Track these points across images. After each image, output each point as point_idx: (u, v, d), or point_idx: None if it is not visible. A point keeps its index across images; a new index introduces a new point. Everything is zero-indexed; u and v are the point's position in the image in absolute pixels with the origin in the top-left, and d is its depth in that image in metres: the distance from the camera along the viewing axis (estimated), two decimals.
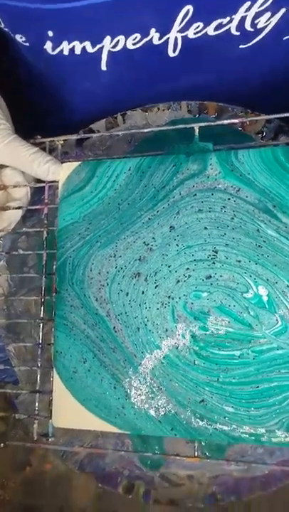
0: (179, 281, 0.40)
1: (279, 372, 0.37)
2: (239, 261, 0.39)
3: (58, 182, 0.43)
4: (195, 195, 0.40)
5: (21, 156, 0.42)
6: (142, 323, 0.40)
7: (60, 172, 0.43)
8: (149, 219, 0.41)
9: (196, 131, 0.43)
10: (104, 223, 0.41)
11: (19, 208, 0.44)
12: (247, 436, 0.37)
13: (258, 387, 0.37)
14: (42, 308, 0.43)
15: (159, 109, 0.49)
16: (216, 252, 0.39)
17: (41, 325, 0.42)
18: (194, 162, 0.41)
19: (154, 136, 0.48)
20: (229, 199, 0.40)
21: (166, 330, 0.39)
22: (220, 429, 0.37)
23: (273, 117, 0.45)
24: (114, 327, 0.40)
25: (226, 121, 0.45)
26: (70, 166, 0.43)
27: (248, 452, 0.42)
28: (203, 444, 0.41)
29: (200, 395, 0.38)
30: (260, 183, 0.40)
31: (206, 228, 0.40)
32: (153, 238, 0.40)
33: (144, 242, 0.40)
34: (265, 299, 0.38)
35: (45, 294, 0.43)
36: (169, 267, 0.40)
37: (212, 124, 0.44)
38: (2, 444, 0.44)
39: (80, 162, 0.43)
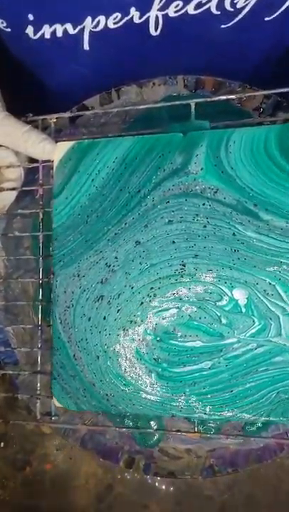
0: (142, 302, 0.39)
1: (256, 371, 0.37)
2: (210, 270, 0.37)
3: (52, 162, 0.42)
4: (168, 202, 0.38)
5: (14, 134, 0.41)
6: (102, 350, 0.39)
7: (54, 151, 0.41)
8: (115, 234, 0.39)
9: (193, 107, 0.41)
10: (70, 240, 0.40)
11: (13, 189, 0.44)
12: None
13: (231, 391, 0.37)
14: (40, 290, 0.42)
15: (154, 84, 0.46)
16: (184, 266, 0.38)
17: (40, 307, 0.42)
18: (181, 154, 0.39)
19: (149, 113, 0.46)
20: (204, 204, 0.38)
21: (126, 357, 0.39)
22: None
23: (271, 92, 0.42)
24: (75, 354, 0.40)
25: (223, 97, 0.42)
26: (65, 146, 0.41)
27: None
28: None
29: (167, 411, 0.39)
30: (242, 179, 0.38)
31: (173, 242, 0.38)
32: (116, 258, 0.39)
33: (106, 264, 0.39)
34: (242, 302, 0.37)
35: (43, 275, 0.42)
36: (132, 288, 0.39)
37: (208, 99, 0.42)
38: (2, 444, 0.48)
39: (74, 142, 0.41)
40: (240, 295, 0.37)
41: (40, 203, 0.42)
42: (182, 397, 0.38)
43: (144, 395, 0.38)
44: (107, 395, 0.39)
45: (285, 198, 0.37)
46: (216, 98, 0.41)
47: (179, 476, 0.45)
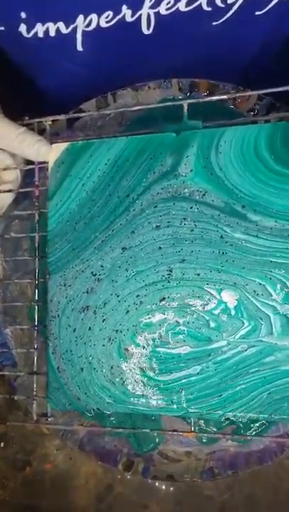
0: (128, 311, 0.39)
1: (247, 373, 0.37)
2: (198, 274, 0.37)
3: (47, 163, 0.42)
4: (156, 206, 0.39)
5: (9, 136, 0.41)
6: (86, 362, 0.39)
7: (49, 152, 0.42)
8: (102, 242, 0.39)
9: (185, 108, 0.41)
10: (57, 247, 0.41)
11: (10, 190, 0.44)
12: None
13: (220, 395, 0.37)
14: (36, 290, 0.43)
15: (149, 87, 0.47)
16: (171, 271, 0.38)
17: (36, 307, 0.43)
18: (172, 155, 0.39)
19: (145, 115, 0.46)
20: (192, 207, 0.38)
21: (112, 367, 0.39)
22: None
23: (263, 92, 0.41)
24: (58, 367, 0.40)
25: (214, 98, 0.42)
26: (60, 147, 0.42)
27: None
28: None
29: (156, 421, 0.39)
30: (231, 180, 0.38)
31: (160, 248, 0.38)
32: (102, 266, 0.39)
33: (92, 273, 0.39)
34: (231, 304, 0.37)
35: (39, 276, 0.43)
36: (118, 296, 0.39)
37: (201, 100, 0.42)
38: (2, 444, 0.49)
39: (68, 143, 0.42)
40: (229, 297, 0.37)
41: (36, 204, 0.43)
42: (170, 406, 0.38)
43: (130, 406, 0.38)
44: (93, 409, 0.39)
45: (274, 198, 0.37)
46: (208, 99, 0.41)
47: (178, 479, 0.45)
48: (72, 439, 0.46)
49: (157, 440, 0.45)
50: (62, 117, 0.43)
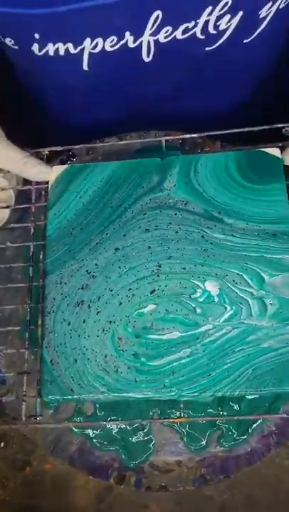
0: (121, 303, 0.42)
1: (233, 352, 0.40)
2: (184, 268, 0.42)
3: (43, 184, 0.48)
4: (145, 213, 0.44)
5: (14, 157, 0.46)
6: (80, 353, 0.41)
7: (49, 173, 0.47)
8: (96, 244, 0.44)
9: (164, 143, 0.49)
10: (53, 250, 0.45)
11: (7, 207, 0.49)
12: None
13: (209, 375, 0.40)
14: (29, 294, 0.45)
15: (131, 136, 0.55)
16: (160, 266, 0.43)
17: (28, 310, 0.45)
18: (158, 173, 0.46)
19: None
20: (176, 214, 0.44)
21: (106, 356, 0.41)
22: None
23: (222, 133, 0.49)
24: (52, 360, 0.42)
25: (187, 136, 0.50)
26: (60, 168, 0.47)
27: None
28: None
29: (151, 408, 0.41)
30: (208, 193, 0.45)
31: (149, 247, 0.43)
32: (96, 265, 0.43)
33: (87, 271, 0.43)
34: (215, 292, 0.42)
35: (32, 280, 0.45)
36: (111, 290, 0.42)
37: (177, 137, 0.51)
38: (2, 444, 0.48)
39: (68, 165, 0.48)
40: (211, 287, 0.42)
41: (32, 218, 0.47)
42: (162, 389, 0.40)
43: (124, 394, 0.40)
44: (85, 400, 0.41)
45: (244, 206, 0.44)
46: (182, 136, 0.50)
47: (171, 488, 0.45)
48: (62, 455, 0.46)
49: (148, 452, 0.46)
50: (58, 148, 0.49)
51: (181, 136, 0.50)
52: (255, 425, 0.45)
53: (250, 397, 0.43)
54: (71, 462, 0.46)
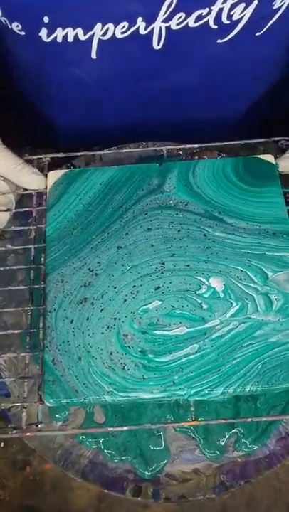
0: (125, 300, 0.41)
1: (241, 347, 0.39)
2: (188, 265, 0.42)
3: (42, 190, 0.47)
4: (146, 213, 0.44)
5: (10, 164, 0.46)
6: (85, 351, 0.40)
7: (42, 182, 0.47)
8: (98, 243, 0.43)
9: (165, 152, 0.50)
10: (54, 250, 0.44)
11: (8, 210, 0.48)
12: None
13: (219, 370, 0.39)
14: (30, 297, 0.44)
15: (130, 147, 0.55)
16: (164, 264, 0.42)
17: (29, 312, 0.43)
18: (157, 177, 0.46)
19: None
20: (177, 214, 0.44)
21: (111, 353, 0.39)
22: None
23: (216, 145, 0.50)
24: (54, 359, 0.40)
25: (188, 146, 0.50)
26: (59, 173, 0.47)
27: None
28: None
29: (165, 414, 0.41)
30: (207, 194, 0.45)
31: (152, 245, 0.43)
32: (98, 263, 0.43)
33: (89, 269, 0.42)
34: (220, 288, 0.41)
35: (33, 283, 0.44)
36: (115, 288, 0.42)
37: (177, 147, 0.51)
38: (2, 444, 0.46)
39: (67, 170, 0.47)
40: (216, 283, 0.42)
41: (34, 222, 0.47)
42: (172, 387, 0.38)
43: (132, 394, 0.38)
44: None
45: (243, 206, 0.45)
46: (182, 146, 0.50)
47: (191, 498, 0.43)
48: (74, 470, 0.43)
49: (164, 461, 0.44)
50: (60, 155, 0.49)
51: (181, 146, 0.50)
52: (272, 427, 0.44)
53: (263, 397, 0.42)
54: (83, 476, 0.43)
